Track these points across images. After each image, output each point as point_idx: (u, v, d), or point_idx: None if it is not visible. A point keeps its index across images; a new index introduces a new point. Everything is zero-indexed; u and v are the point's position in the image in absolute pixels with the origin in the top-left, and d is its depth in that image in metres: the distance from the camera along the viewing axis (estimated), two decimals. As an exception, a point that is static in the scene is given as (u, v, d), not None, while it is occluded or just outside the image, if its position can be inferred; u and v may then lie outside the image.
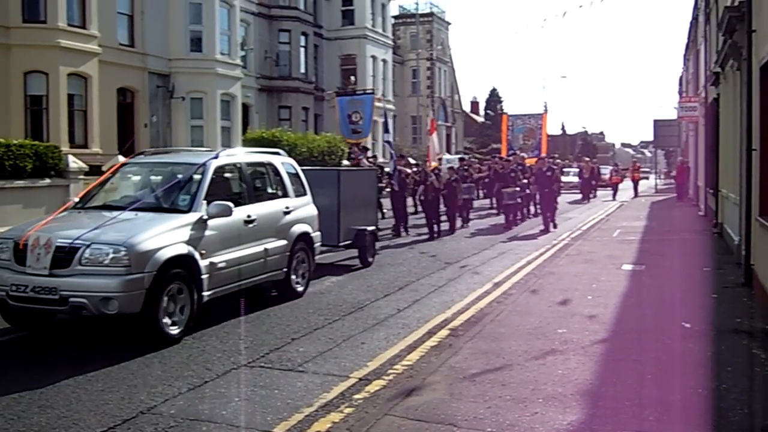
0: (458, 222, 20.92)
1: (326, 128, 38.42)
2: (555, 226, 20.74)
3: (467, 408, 5.74)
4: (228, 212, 8.68)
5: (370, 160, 19.59)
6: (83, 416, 5.77)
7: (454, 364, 7.01)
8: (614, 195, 36.92)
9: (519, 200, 21.77)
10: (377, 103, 24.14)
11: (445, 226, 19.80)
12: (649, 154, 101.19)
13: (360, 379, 6.76)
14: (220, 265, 8.64)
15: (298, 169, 11.28)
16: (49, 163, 15.92)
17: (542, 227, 20.51)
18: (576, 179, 39.45)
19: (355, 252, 13.85)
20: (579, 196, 35.88)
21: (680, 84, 41.66)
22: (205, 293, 8.43)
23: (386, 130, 20.75)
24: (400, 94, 53.62)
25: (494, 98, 78.12)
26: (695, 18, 27.21)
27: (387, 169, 19.51)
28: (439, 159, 22.78)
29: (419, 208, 22.00)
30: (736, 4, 11.55)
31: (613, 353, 7.39)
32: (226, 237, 8.85)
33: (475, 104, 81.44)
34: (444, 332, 8.52)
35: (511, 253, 15.64)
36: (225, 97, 30.52)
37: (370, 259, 13.81)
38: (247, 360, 7.38)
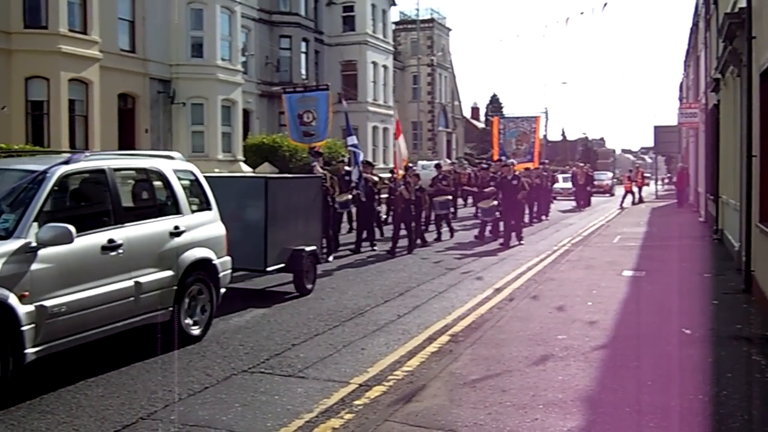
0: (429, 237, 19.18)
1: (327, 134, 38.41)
2: (520, 239, 18.42)
3: (468, 414, 5.74)
4: (66, 238, 6.42)
5: (323, 167, 16.45)
6: (83, 422, 5.77)
7: (454, 370, 7.01)
8: (623, 201, 36.63)
9: (498, 214, 18.90)
10: (344, 105, 21.00)
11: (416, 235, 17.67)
12: (649, 160, 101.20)
13: (360, 385, 6.76)
14: (56, 309, 6.42)
15: (200, 177, 8.99)
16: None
17: (502, 242, 18.23)
18: (569, 185, 38.80)
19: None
20: (573, 204, 35.01)
21: (681, 90, 41.70)
22: (30, 350, 6.22)
23: (350, 133, 18.26)
24: (401, 100, 53.65)
25: (495, 104, 78.34)
26: (695, 24, 27.26)
27: (353, 177, 17.04)
28: (407, 167, 18.70)
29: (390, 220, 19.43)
30: (736, 10, 11.58)
31: (614, 359, 7.39)
32: (69, 271, 6.66)
33: (475, 110, 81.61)
34: (444, 338, 8.52)
35: (512, 259, 15.63)
36: (226, 102, 30.56)
37: (309, 286, 11.43)
38: (247, 365, 7.37)
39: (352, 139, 17.86)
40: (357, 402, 6.27)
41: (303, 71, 39.08)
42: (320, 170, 15.25)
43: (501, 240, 18.41)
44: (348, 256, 15.76)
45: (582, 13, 55.44)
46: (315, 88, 20.99)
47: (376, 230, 18.55)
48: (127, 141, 26.92)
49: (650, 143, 56.42)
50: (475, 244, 18.70)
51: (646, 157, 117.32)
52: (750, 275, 10.90)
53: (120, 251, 7.17)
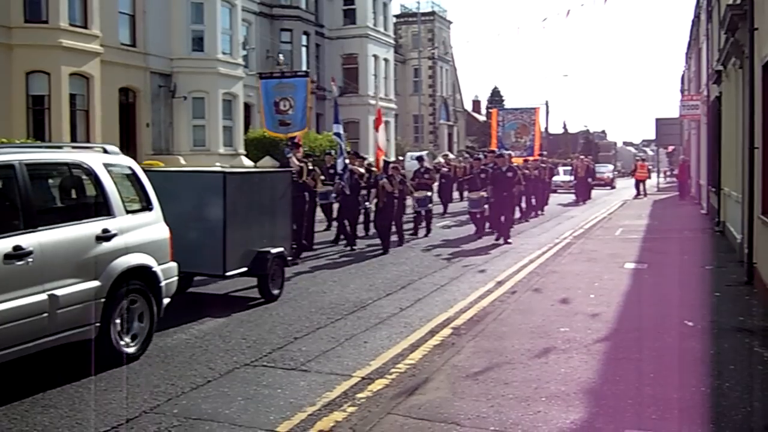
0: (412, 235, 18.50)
1: (328, 127, 38.39)
2: (508, 240, 17.14)
3: (470, 407, 5.75)
4: None
5: (301, 159, 14.90)
6: (86, 416, 5.77)
7: (456, 362, 7.02)
8: (638, 192, 36.72)
9: (486, 207, 18.39)
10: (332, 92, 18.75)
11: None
12: (651, 153, 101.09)
13: (363, 378, 6.77)
14: None
15: (140, 172, 7.92)
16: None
17: (496, 236, 17.53)
18: (570, 178, 38.42)
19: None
20: (574, 198, 34.32)
21: (682, 82, 41.57)
22: None
23: (336, 121, 16.94)
24: (402, 93, 53.64)
25: (496, 97, 78.17)
26: (697, 16, 27.17)
27: (338, 169, 16.11)
28: (388, 162, 17.21)
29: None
30: (738, 2, 11.54)
31: (616, 352, 7.39)
32: None
33: (476, 103, 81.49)
34: (447, 331, 8.53)
35: (514, 252, 15.63)
36: (227, 96, 30.53)
37: (276, 291, 10.46)
38: (249, 359, 7.38)
39: (338, 128, 16.79)
40: (360, 395, 6.28)
41: (304, 65, 39.05)
42: (297, 163, 14.18)
43: (495, 237, 17.48)
44: (349, 253, 15.72)
45: (583, 5, 55.43)
46: (293, 74, 19.48)
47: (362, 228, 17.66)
48: (128, 135, 26.95)
49: (652, 135, 56.37)
50: (473, 238, 18.25)
51: (647, 149, 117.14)
52: (752, 267, 10.90)
53: (29, 260, 6.16)
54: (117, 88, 26.58)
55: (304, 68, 38.63)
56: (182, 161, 26.63)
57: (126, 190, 7.73)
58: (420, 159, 21.24)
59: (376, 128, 17.90)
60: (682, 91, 39.86)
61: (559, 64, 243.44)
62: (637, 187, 37.14)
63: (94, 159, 7.35)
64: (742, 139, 12.04)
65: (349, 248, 15.86)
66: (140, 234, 7.49)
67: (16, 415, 5.76)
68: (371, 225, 18.21)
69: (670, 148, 54.77)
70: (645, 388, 6.13)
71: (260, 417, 5.77)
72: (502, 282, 11.88)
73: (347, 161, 16.20)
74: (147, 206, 7.83)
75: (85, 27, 23.52)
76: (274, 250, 10.42)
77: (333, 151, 18.01)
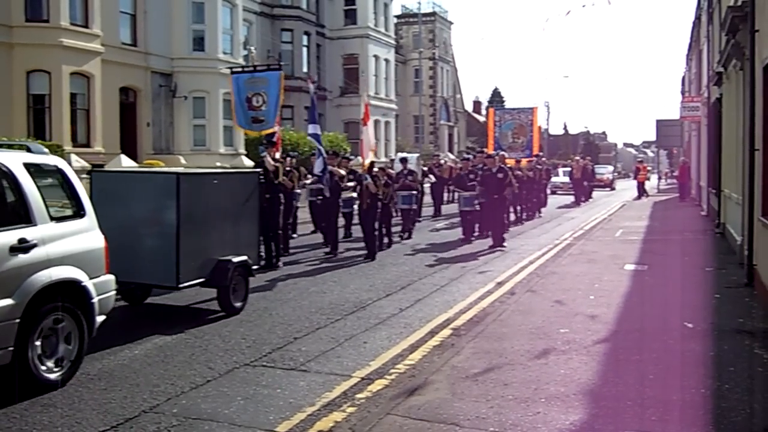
0: (403, 236, 18.19)
1: (329, 128, 38.48)
2: (503, 243, 16.45)
3: (470, 407, 5.74)
4: None
5: (277, 159, 13.88)
6: (86, 415, 5.77)
7: (456, 363, 7.01)
8: (641, 194, 36.99)
9: (477, 207, 17.63)
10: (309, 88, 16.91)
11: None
12: (651, 154, 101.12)
13: (362, 379, 6.77)
14: None
15: (71, 174, 7.00)
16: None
17: (491, 244, 16.56)
18: (567, 179, 38.13)
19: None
20: (572, 200, 33.70)
21: (683, 84, 41.59)
22: None
23: (313, 121, 15.58)
24: (403, 93, 53.65)
25: (497, 98, 78.26)
26: (698, 18, 27.18)
27: (316, 171, 15.12)
28: (372, 161, 16.08)
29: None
30: (739, 3, 11.54)
31: (616, 353, 7.39)
32: None
33: (477, 104, 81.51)
34: (446, 332, 8.52)
35: (514, 253, 15.62)
36: (227, 96, 30.32)
37: (238, 304, 9.52)
38: (249, 359, 7.38)
39: (315, 128, 15.39)
40: (359, 395, 6.28)
41: (305, 65, 39.07)
42: (272, 162, 13.27)
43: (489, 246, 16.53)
44: (351, 254, 15.72)
45: (584, 6, 55.43)
46: (266, 68, 17.83)
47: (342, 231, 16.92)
48: (128, 135, 26.96)
49: (652, 137, 56.42)
50: (467, 240, 17.55)
51: (648, 151, 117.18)
52: (752, 269, 10.89)
53: None
54: (117, 88, 26.58)
55: (305, 68, 38.74)
56: (183, 161, 26.64)
57: (53, 195, 6.83)
58: (404, 160, 20.42)
59: (364, 124, 16.79)
60: (682, 93, 39.86)
61: (559, 65, 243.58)
62: (639, 189, 37.31)
63: (11, 159, 6.41)
64: (742, 140, 12.04)
65: (332, 254, 15.01)
66: (68, 244, 6.60)
67: (15, 414, 5.76)
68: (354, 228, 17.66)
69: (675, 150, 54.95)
70: (645, 389, 6.13)
71: (260, 417, 5.77)
72: (502, 283, 11.88)
73: (328, 162, 15.12)
74: (78, 212, 6.95)
75: (86, 26, 23.52)
76: (236, 259, 9.49)
77: (334, 153, 17.50)
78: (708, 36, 22.34)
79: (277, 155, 14.14)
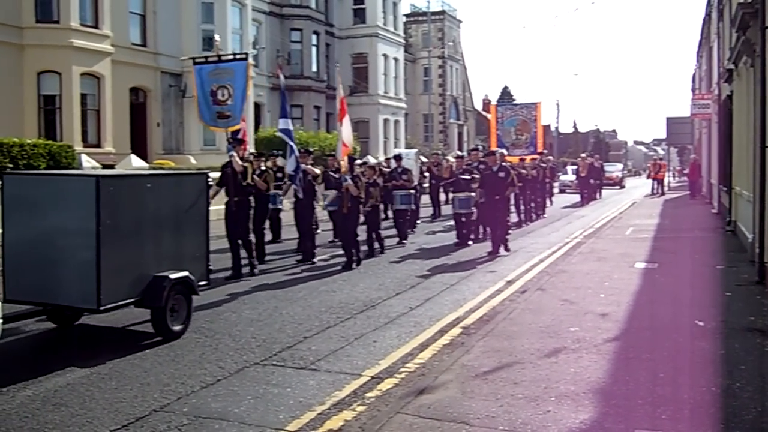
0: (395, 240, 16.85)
1: (336, 126, 38.47)
2: (507, 249, 15.31)
3: (479, 406, 5.74)
4: None
5: (246, 158, 12.95)
6: (97, 414, 5.80)
7: (466, 362, 7.01)
8: (661, 190, 37.62)
9: (473, 209, 16.40)
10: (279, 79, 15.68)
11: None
12: (662, 152, 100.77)
13: (372, 378, 6.77)
14: None
15: None
16: (62, 162, 16.02)
17: (490, 250, 15.11)
18: (573, 177, 37.49)
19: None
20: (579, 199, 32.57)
21: (693, 81, 41.43)
22: None
23: (283, 115, 14.34)
24: (412, 92, 53.61)
25: (506, 96, 78.06)
26: (708, 15, 27.06)
27: (288, 170, 14.14)
28: (354, 159, 14.88)
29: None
30: (749, 0, 11.48)
31: (626, 351, 7.37)
32: None
33: (487, 102, 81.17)
34: (456, 330, 8.52)
35: (523, 252, 15.59)
36: (237, 95, 30.53)
37: (177, 327, 8.22)
38: (259, 358, 7.40)
39: (285, 123, 14.17)
40: (369, 394, 6.29)
41: (314, 64, 39.12)
42: (240, 162, 12.30)
43: (488, 248, 15.33)
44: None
45: (593, 3, 55.24)
46: (232, 58, 16.02)
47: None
48: (138, 135, 27.05)
49: (663, 134, 56.22)
50: (460, 245, 16.27)
51: (658, 148, 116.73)
52: (763, 267, 10.84)
53: None
54: (128, 88, 26.68)
55: (314, 67, 38.76)
56: (193, 161, 26.70)
57: None
58: (397, 158, 19.33)
59: (340, 120, 15.09)
60: (693, 90, 39.70)
61: (569, 63, 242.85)
62: (654, 185, 37.77)
63: None
64: (753, 137, 11.98)
65: (308, 263, 13.81)
66: None
67: (27, 413, 5.80)
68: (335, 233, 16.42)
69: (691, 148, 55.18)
70: (655, 388, 6.11)
71: (270, 416, 5.78)
72: (512, 281, 11.86)
73: (300, 160, 13.99)
74: None
75: (96, 27, 23.63)
76: (174, 275, 8.18)
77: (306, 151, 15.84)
78: (718, 33, 22.24)
79: (247, 154, 13.25)
